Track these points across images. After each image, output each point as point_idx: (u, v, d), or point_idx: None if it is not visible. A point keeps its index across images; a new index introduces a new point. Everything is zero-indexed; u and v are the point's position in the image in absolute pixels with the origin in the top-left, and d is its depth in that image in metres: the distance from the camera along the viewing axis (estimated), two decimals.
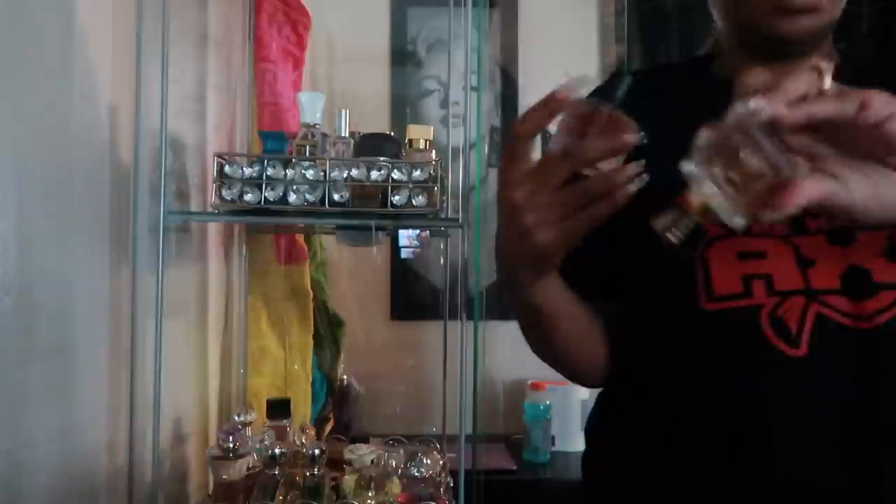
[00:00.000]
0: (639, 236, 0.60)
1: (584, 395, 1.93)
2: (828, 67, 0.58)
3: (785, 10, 0.70)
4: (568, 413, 1.91)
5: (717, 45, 0.82)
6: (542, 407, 1.84)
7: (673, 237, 0.55)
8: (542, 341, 0.76)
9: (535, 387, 1.86)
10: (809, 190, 0.52)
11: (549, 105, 0.58)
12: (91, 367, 0.99)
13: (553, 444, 1.87)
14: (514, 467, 1.76)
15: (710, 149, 0.53)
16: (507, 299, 0.74)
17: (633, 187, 0.58)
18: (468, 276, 0.98)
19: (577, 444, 1.92)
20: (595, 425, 0.82)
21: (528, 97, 2.13)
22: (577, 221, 0.60)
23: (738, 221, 0.53)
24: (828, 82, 0.58)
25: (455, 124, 1.87)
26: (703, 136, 0.54)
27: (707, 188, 0.53)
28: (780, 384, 0.66)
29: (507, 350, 2.08)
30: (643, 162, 0.58)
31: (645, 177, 0.58)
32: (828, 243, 0.68)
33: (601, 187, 0.58)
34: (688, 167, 0.54)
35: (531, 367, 2.11)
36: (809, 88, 0.55)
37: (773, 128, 0.52)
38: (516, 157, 0.61)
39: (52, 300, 0.89)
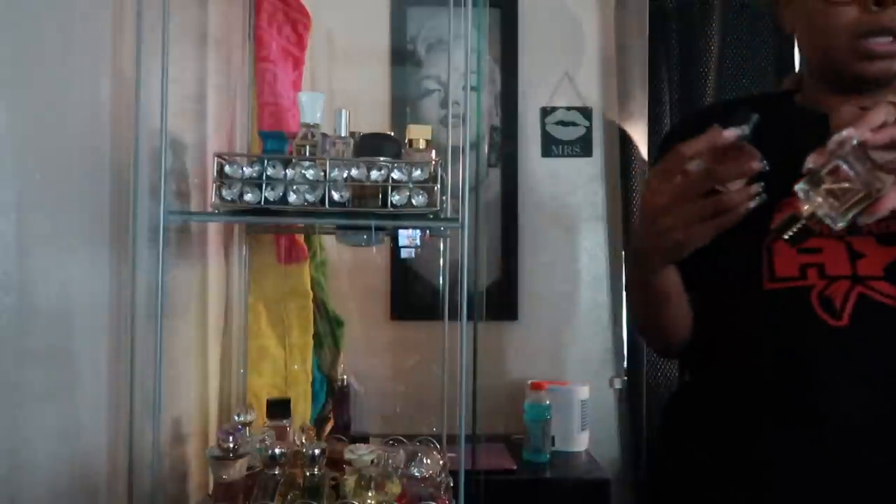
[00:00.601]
0: (721, 236, 0.78)
1: (583, 396, 1.93)
2: None
3: (868, 56, 0.86)
4: (568, 413, 1.91)
5: (800, 80, 0.99)
6: (542, 407, 1.84)
7: (786, 236, 0.72)
8: (652, 314, 0.95)
9: (535, 387, 1.86)
10: (894, 200, 0.68)
11: (715, 139, 0.74)
12: (91, 367, 0.99)
13: (553, 444, 1.87)
14: (514, 467, 1.76)
15: (817, 170, 0.70)
16: (629, 279, 0.98)
17: (753, 203, 0.74)
18: (468, 276, 0.98)
19: (577, 444, 1.93)
20: (673, 402, 1.01)
21: (529, 97, 2.13)
22: (707, 227, 0.77)
23: (839, 225, 0.70)
24: None
25: (455, 124, 1.87)
26: (811, 160, 0.71)
27: (815, 200, 0.70)
28: (825, 350, 0.83)
29: (507, 350, 2.09)
30: (762, 184, 0.74)
31: (763, 196, 0.74)
32: (876, 242, 0.85)
33: (731, 202, 0.74)
34: (800, 185, 0.71)
35: (531, 367, 2.10)
36: (888, 118, 0.70)
37: (863, 150, 0.69)
38: (668, 171, 0.77)
39: (52, 300, 0.89)
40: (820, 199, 0.70)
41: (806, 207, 0.70)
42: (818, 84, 0.94)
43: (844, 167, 0.69)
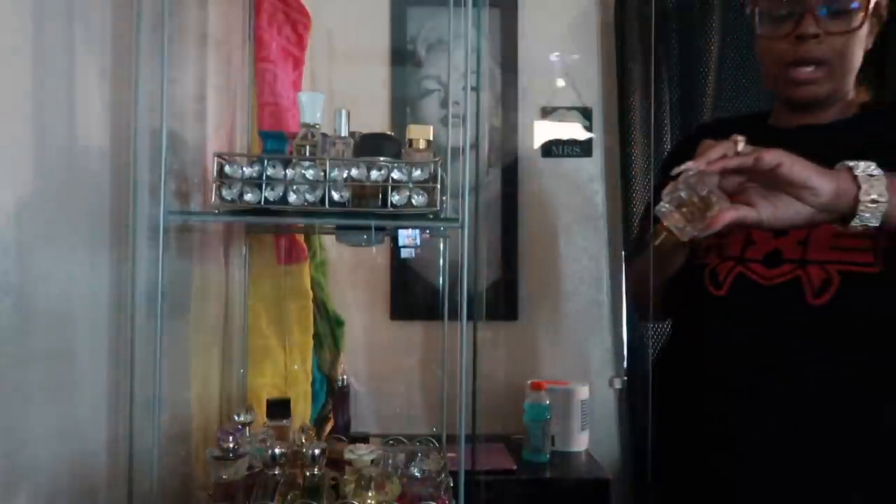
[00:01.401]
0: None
1: (583, 396, 1.93)
2: (741, 139, 0.91)
3: (794, 82, 1.06)
4: (568, 413, 1.91)
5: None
6: (541, 407, 1.84)
7: (655, 242, 0.96)
8: (654, 281, 1.16)
9: (535, 387, 1.86)
10: (726, 216, 0.89)
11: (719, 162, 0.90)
12: (91, 367, 0.99)
13: (553, 444, 1.87)
14: (514, 467, 1.76)
15: (670, 195, 0.92)
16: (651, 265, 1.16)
17: None
18: (468, 276, 0.98)
19: (577, 444, 1.93)
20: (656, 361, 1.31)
21: (529, 97, 2.13)
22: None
23: (689, 235, 0.93)
24: (741, 146, 0.91)
25: (455, 124, 1.87)
26: (667, 188, 0.93)
27: (670, 218, 0.93)
28: (709, 314, 1.12)
29: (507, 350, 2.09)
30: None
31: None
32: (772, 235, 1.05)
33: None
34: (658, 206, 0.94)
35: (531, 367, 2.10)
36: (727, 151, 0.90)
37: (701, 178, 0.90)
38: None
39: (52, 300, 0.89)
40: (677, 216, 0.92)
41: (665, 223, 0.93)
42: (779, 106, 1.15)
43: (681, 193, 0.91)
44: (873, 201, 0.87)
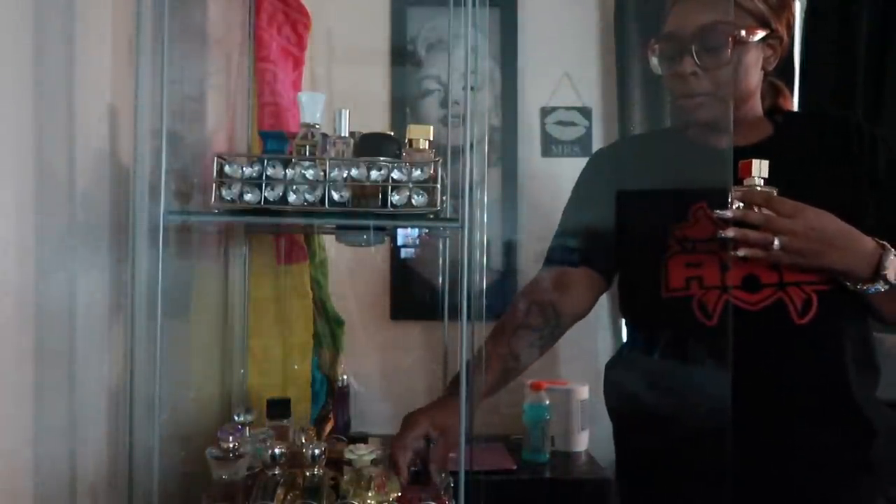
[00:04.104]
0: (633, 252, 1.26)
1: (583, 396, 1.93)
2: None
3: (686, 109, 1.22)
4: (567, 413, 1.91)
5: None
6: (541, 407, 1.84)
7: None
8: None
9: (535, 387, 1.86)
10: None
11: None
12: (91, 367, 0.99)
13: (552, 444, 1.87)
14: (514, 467, 1.76)
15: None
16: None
17: None
18: (468, 276, 0.98)
19: (577, 444, 1.93)
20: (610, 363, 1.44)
21: (529, 97, 2.13)
22: None
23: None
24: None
25: (455, 124, 1.87)
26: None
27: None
28: (699, 344, 1.17)
29: None
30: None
31: None
32: (738, 259, 1.11)
33: None
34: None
35: (531, 367, 2.11)
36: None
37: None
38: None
39: (52, 300, 0.89)
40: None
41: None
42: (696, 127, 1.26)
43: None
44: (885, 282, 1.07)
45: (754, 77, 1.22)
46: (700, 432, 1.11)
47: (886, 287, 1.07)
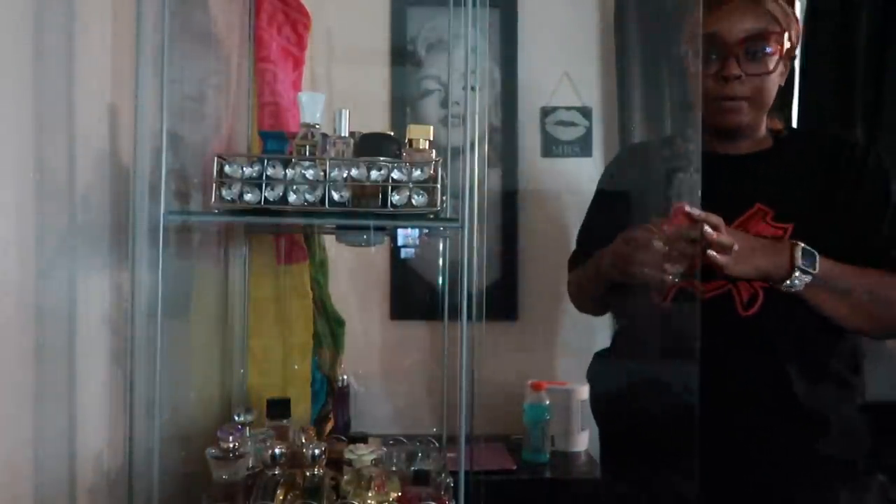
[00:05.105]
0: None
1: (583, 396, 1.93)
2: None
3: (721, 111, 1.22)
4: (567, 413, 1.91)
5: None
6: (541, 407, 1.84)
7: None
8: (593, 300, 1.44)
9: (535, 387, 1.86)
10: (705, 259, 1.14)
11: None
12: (91, 367, 0.99)
13: (552, 444, 1.87)
14: (514, 467, 1.76)
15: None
16: (587, 281, 1.39)
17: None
18: (468, 276, 0.98)
19: (577, 444, 1.93)
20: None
21: (528, 97, 2.13)
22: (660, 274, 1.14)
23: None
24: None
25: (455, 124, 1.87)
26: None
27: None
28: (654, 327, 1.25)
29: (507, 350, 2.09)
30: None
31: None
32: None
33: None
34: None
35: (531, 367, 2.09)
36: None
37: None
38: (648, 231, 1.15)
39: (52, 300, 0.89)
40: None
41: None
42: (707, 132, 1.25)
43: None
44: (803, 273, 1.12)
45: (776, 89, 1.25)
46: (662, 414, 1.16)
47: (808, 278, 1.12)
